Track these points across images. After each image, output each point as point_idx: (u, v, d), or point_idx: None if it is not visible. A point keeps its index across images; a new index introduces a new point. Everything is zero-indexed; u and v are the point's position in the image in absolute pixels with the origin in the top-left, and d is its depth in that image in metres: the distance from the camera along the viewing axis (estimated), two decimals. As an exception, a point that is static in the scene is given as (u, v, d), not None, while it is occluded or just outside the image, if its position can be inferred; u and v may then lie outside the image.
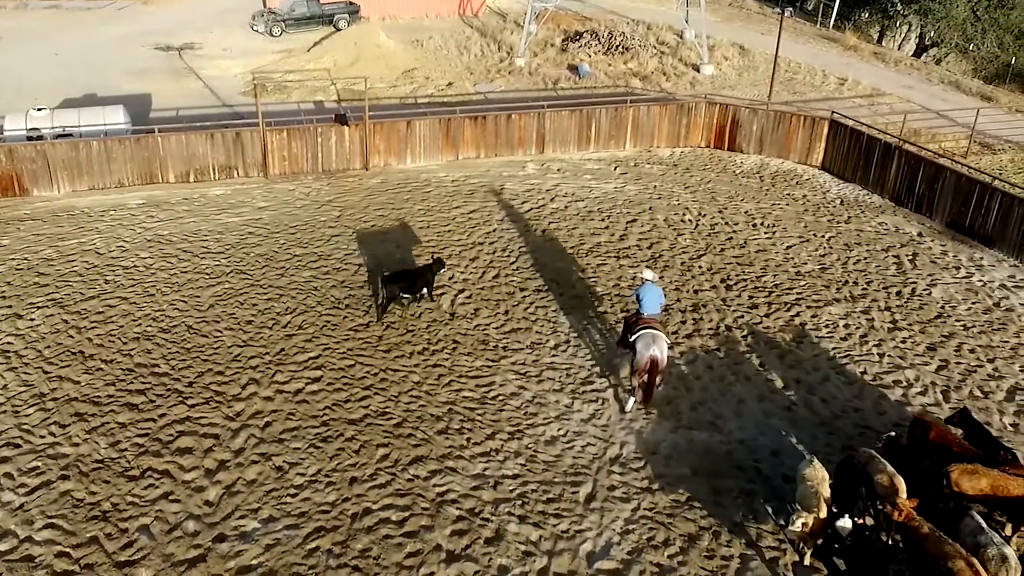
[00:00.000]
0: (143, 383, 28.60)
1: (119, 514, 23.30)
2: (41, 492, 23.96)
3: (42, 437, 26.04)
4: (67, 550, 22.18)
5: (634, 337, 27.62)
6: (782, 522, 22.95)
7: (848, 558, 21.93)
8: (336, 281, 35.22)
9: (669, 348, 28.72)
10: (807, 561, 22.46)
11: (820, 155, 49.85)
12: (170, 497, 23.91)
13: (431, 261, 33.76)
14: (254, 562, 22.00)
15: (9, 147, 41.91)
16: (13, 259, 36.04)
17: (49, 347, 30.38)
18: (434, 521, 23.39)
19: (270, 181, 45.20)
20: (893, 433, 24.60)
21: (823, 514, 21.63)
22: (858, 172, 47.53)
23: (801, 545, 22.48)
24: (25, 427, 26.41)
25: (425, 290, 33.27)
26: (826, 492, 21.91)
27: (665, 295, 31.30)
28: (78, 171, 42.96)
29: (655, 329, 27.75)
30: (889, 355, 31.65)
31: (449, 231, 39.99)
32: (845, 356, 31.48)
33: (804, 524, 21.51)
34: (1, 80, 57.98)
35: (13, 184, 42.15)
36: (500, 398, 28.61)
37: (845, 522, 21.12)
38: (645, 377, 27.56)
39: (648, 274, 29.13)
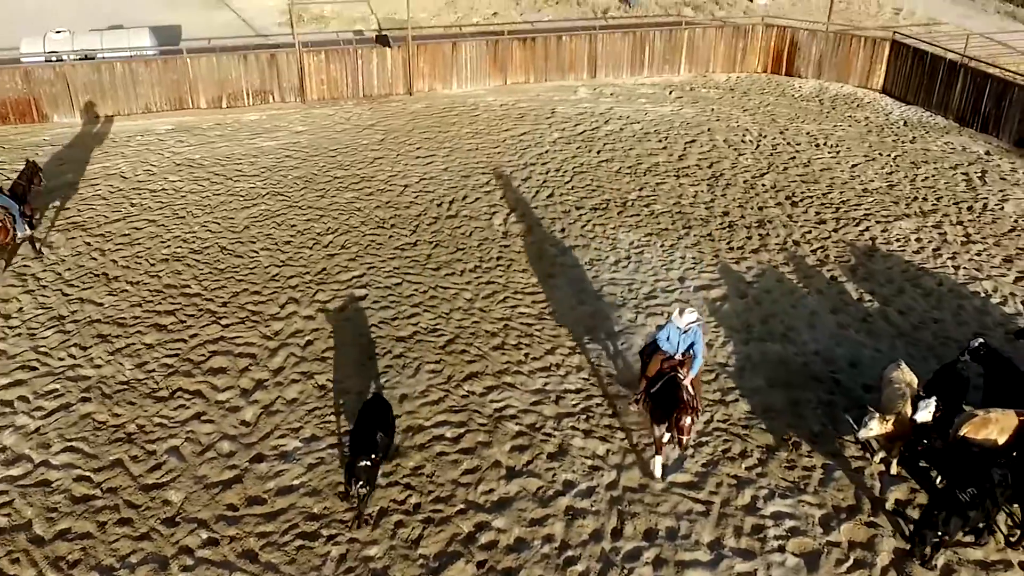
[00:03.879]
0: (172, 304, 26.90)
1: (145, 436, 21.52)
2: (59, 415, 22.15)
3: (61, 359, 24.24)
4: (87, 474, 20.39)
5: None
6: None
7: (940, 464, 19.92)
8: (380, 202, 33.55)
9: None
10: (893, 470, 20.55)
11: (881, 78, 48.57)
12: (202, 418, 22.15)
13: None
14: (295, 482, 20.18)
15: (25, 69, 40.26)
16: (30, 184, 34.49)
17: (70, 269, 28.70)
18: (492, 437, 21.63)
19: (308, 106, 43.74)
20: (982, 339, 22.44)
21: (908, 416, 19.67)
22: (921, 93, 46.13)
23: (883, 454, 20.64)
24: (42, 349, 24.65)
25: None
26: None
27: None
28: (101, 95, 41.32)
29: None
30: (964, 267, 30.03)
31: (499, 152, 38.48)
32: (919, 269, 29.80)
33: (883, 423, 19.61)
34: (21, 8, 56.64)
35: (31, 109, 40.50)
36: (558, 313, 26.82)
37: (929, 405, 19.15)
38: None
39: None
